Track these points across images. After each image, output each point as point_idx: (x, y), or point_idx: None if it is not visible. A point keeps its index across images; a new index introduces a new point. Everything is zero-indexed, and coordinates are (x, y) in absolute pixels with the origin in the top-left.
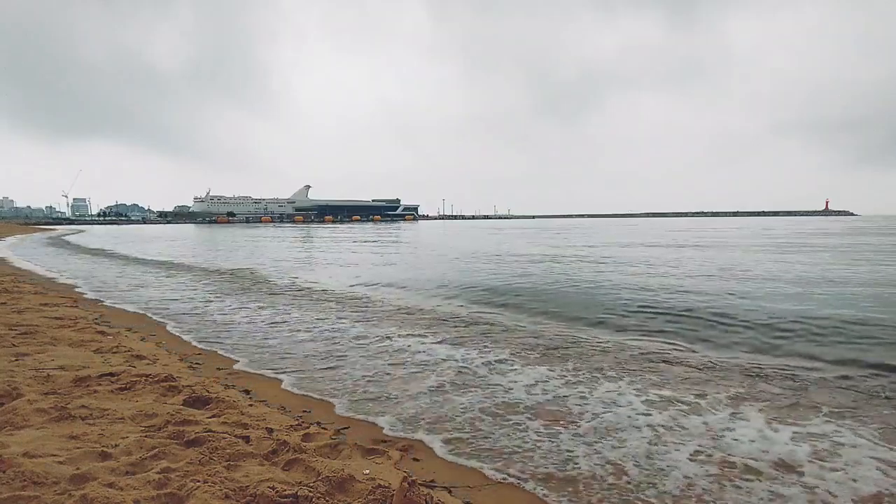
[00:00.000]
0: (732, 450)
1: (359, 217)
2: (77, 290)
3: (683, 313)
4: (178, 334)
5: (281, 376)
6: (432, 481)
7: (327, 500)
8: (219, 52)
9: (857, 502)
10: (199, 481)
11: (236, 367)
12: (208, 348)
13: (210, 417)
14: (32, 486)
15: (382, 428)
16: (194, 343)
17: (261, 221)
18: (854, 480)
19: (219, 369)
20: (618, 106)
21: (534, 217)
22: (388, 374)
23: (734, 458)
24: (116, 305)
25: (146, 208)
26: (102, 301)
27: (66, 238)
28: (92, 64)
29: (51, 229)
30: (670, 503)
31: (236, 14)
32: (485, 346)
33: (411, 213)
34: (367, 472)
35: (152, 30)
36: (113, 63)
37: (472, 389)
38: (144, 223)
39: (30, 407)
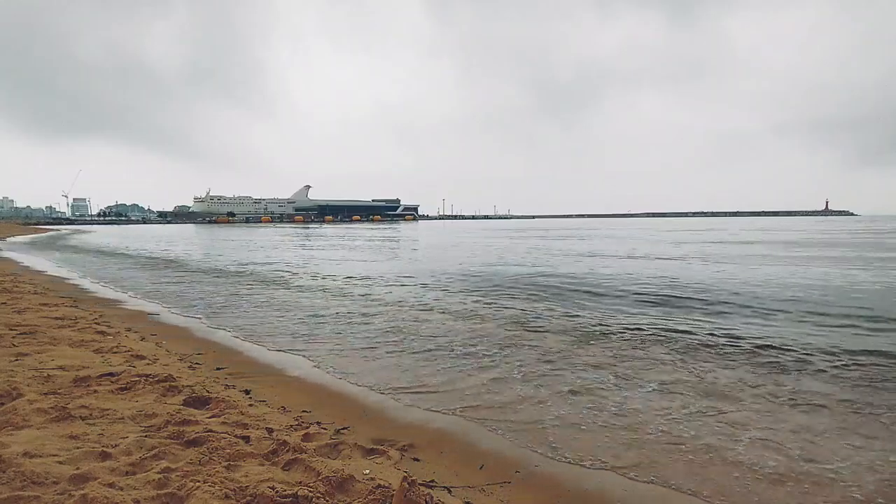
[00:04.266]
0: None
1: (359, 217)
2: None
3: None
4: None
5: None
6: (432, 481)
7: (327, 500)
8: (216, 52)
9: None
10: (199, 481)
11: None
12: None
13: (210, 417)
14: (32, 486)
15: None
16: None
17: (261, 221)
18: None
19: (218, 369)
20: (618, 105)
21: (533, 217)
22: None
23: None
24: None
25: (146, 208)
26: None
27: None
28: (91, 64)
29: (54, 229)
30: None
31: (234, 14)
32: None
33: (411, 213)
34: (367, 471)
35: (151, 30)
36: (112, 63)
37: None
38: (144, 223)
39: (30, 407)
